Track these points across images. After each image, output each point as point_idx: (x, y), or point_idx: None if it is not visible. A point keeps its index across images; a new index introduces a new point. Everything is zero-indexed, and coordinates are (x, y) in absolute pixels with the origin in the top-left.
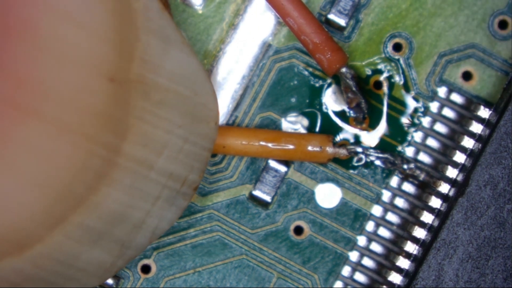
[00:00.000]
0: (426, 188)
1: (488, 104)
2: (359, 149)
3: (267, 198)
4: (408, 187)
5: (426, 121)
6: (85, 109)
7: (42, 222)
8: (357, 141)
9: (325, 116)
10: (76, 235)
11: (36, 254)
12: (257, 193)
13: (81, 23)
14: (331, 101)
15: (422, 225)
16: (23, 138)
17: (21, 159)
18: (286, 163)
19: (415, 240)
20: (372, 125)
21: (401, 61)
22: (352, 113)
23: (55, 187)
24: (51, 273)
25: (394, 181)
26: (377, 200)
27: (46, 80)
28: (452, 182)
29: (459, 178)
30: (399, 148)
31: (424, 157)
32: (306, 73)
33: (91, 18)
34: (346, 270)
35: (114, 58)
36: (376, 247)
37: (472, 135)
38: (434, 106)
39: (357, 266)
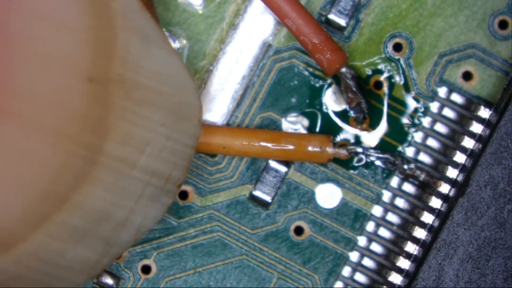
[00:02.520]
0: (426, 188)
1: (488, 104)
2: (359, 149)
3: (268, 199)
4: (408, 188)
5: (426, 121)
6: (64, 109)
7: (25, 221)
8: (358, 141)
9: (326, 116)
10: (60, 233)
11: (20, 253)
12: (257, 193)
13: (57, 23)
14: (331, 101)
15: (423, 225)
16: (1, 138)
17: (0, 159)
18: (287, 163)
19: (416, 241)
20: (372, 125)
21: (401, 61)
22: (352, 113)
23: (36, 186)
24: (35, 272)
25: (394, 181)
26: (378, 200)
27: (23, 81)
28: (452, 182)
29: (460, 178)
30: (400, 148)
31: (424, 157)
32: (306, 73)
33: (67, 19)
34: (346, 271)
35: (92, 57)
36: (376, 247)
37: (472, 135)
38: (434, 106)
39: (357, 267)
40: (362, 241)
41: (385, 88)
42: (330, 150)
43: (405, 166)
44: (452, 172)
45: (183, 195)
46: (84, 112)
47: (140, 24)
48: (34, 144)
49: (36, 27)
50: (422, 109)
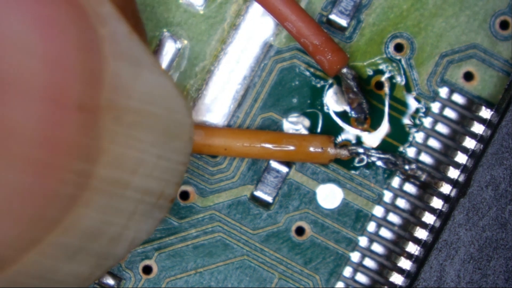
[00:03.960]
0: (427, 188)
1: (489, 105)
2: (361, 150)
3: (269, 199)
4: (409, 188)
5: (427, 121)
6: (53, 141)
7: (16, 246)
8: (359, 141)
9: (327, 116)
10: (52, 253)
11: (12, 274)
12: (258, 193)
13: (44, 55)
14: (332, 101)
15: (424, 225)
16: None
17: None
18: (288, 163)
19: (417, 241)
20: (374, 126)
21: (403, 62)
22: (353, 114)
23: (27, 214)
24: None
25: (395, 181)
26: (379, 200)
27: (9, 116)
28: (453, 182)
29: (461, 178)
30: (401, 149)
31: (425, 158)
32: (307, 73)
33: (55, 50)
34: (347, 271)
35: (82, 87)
36: (377, 247)
37: (473, 135)
38: (435, 107)
39: (359, 267)
40: (363, 241)
41: (386, 89)
42: (331, 150)
43: (406, 167)
44: (453, 173)
45: (184, 195)
46: (73, 142)
47: (130, 49)
48: (22, 176)
49: (21, 60)
50: (423, 110)
